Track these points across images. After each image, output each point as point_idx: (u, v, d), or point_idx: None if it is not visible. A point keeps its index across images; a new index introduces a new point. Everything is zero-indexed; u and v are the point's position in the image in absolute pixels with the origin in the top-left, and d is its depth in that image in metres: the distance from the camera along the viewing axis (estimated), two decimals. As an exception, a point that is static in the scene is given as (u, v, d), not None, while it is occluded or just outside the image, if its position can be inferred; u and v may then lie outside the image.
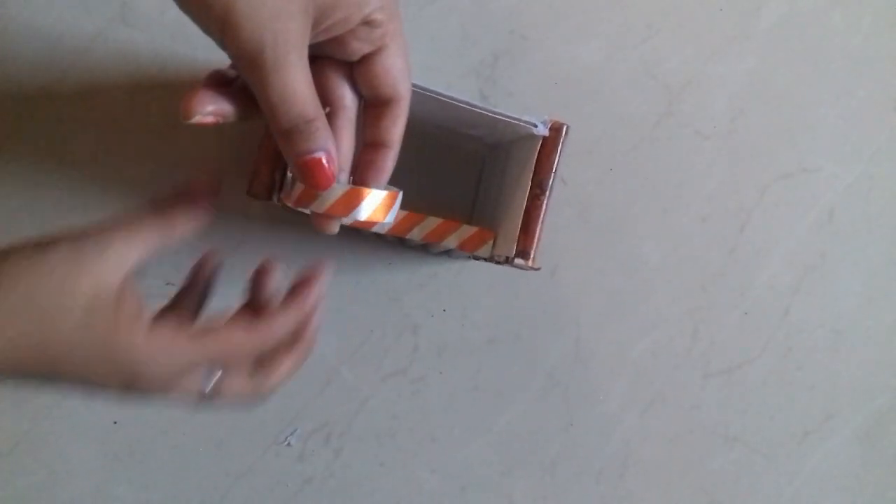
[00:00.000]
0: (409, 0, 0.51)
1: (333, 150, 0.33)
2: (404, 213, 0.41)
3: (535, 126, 0.40)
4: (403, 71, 0.35)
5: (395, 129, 0.35)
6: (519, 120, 0.40)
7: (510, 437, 0.54)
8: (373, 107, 0.35)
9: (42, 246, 0.33)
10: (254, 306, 0.38)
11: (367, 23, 0.33)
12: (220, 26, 0.30)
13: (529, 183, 0.40)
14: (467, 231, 0.42)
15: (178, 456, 0.51)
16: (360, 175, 0.35)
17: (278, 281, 0.37)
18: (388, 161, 0.36)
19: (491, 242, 0.43)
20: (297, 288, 0.37)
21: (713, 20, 0.54)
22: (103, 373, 0.33)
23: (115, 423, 0.51)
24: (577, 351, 0.54)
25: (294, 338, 0.37)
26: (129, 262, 0.33)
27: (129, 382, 0.34)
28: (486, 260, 0.43)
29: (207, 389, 0.35)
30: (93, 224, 0.34)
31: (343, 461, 0.52)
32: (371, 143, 0.36)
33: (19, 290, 0.32)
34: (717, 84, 0.55)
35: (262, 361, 0.36)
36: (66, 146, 0.50)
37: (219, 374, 0.35)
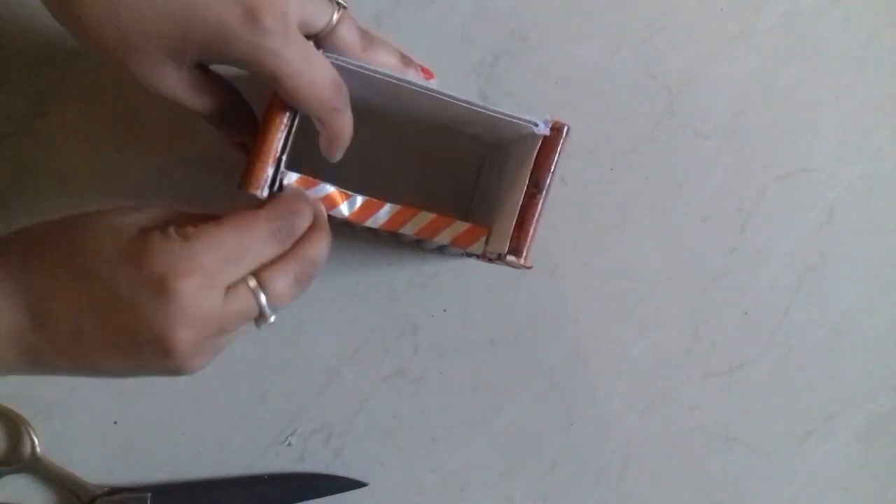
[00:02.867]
0: (409, 0, 0.51)
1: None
2: (398, 207, 0.41)
3: (536, 125, 0.40)
4: (300, 95, 0.36)
5: (323, 140, 0.39)
6: (520, 119, 0.40)
7: (510, 437, 0.54)
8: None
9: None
10: None
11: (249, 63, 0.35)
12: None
13: (527, 181, 0.40)
14: (461, 227, 0.42)
15: (179, 456, 0.51)
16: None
17: None
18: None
19: (484, 239, 0.43)
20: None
21: (713, 20, 0.54)
22: (132, 284, 0.32)
23: (115, 423, 0.51)
24: (577, 351, 0.54)
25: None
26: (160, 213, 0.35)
27: (159, 284, 0.32)
28: (478, 257, 0.43)
29: (262, 301, 0.34)
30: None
31: (343, 461, 0.52)
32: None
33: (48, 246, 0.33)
34: (717, 84, 0.55)
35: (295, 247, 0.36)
36: (66, 146, 0.50)
37: (260, 290, 0.34)
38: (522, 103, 0.53)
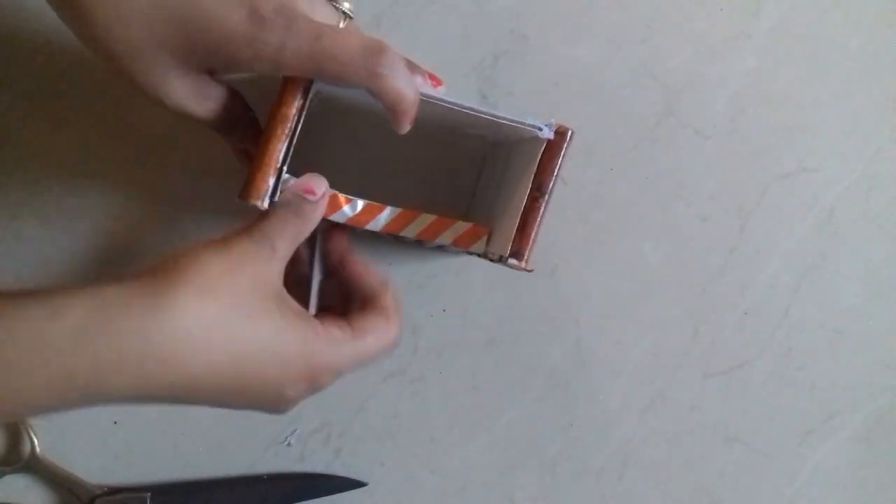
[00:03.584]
0: (409, 0, 0.51)
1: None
2: (399, 210, 0.41)
3: (540, 129, 0.40)
4: (334, 68, 0.35)
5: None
6: (523, 123, 0.40)
7: (510, 437, 0.54)
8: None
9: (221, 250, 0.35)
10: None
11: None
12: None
13: (530, 185, 0.40)
14: (461, 227, 0.42)
15: (179, 456, 0.51)
16: None
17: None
18: None
19: (485, 239, 0.43)
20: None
21: (713, 20, 0.54)
22: (290, 373, 0.36)
23: (115, 423, 0.51)
24: (577, 351, 0.54)
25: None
26: (287, 252, 0.37)
27: (314, 380, 0.37)
28: (479, 256, 0.43)
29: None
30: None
31: (343, 461, 0.52)
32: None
33: (209, 294, 0.33)
34: (717, 84, 0.55)
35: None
36: (66, 146, 0.50)
37: None
38: (522, 103, 0.53)
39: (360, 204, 0.41)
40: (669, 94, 0.54)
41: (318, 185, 0.38)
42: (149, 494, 0.50)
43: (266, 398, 0.35)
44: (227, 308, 0.33)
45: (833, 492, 0.57)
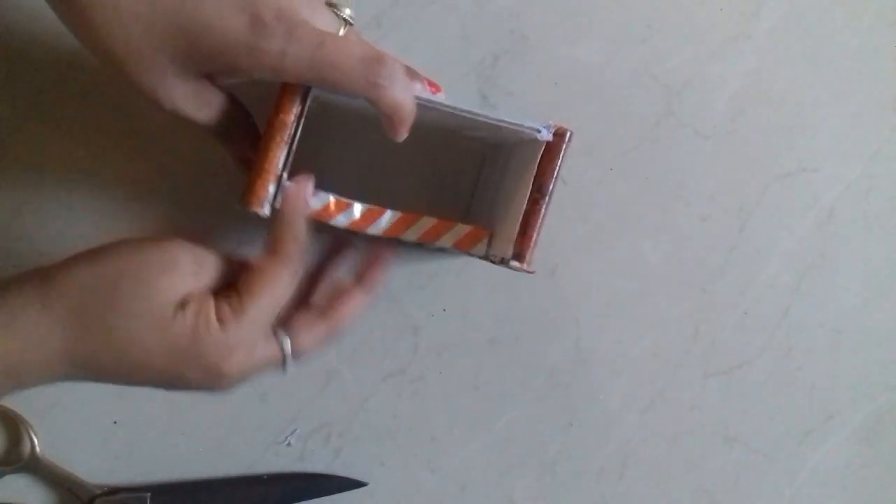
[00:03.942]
0: (409, 0, 0.51)
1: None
2: (399, 214, 0.41)
3: (539, 131, 0.40)
4: (333, 76, 0.36)
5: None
6: (522, 126, 0.40)
7: (510, 437, 0.54)
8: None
9: (133, 250, 0.36)
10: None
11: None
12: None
13: (530, 187, 0.40)
14: (462, 230, 0.42)
15: (178, 456, 0.51)
16: None
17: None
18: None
19: (486, 241, 0.43)
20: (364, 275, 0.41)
21: (713, 20, 0.54)
22: (181, 374, 0.36)
23: (115, 422, 0.51)
24: (577, 351, 0.54)
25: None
26: (211, 282, 0.37)
27: (211, 375, 0.36)
28: (480, 258, 0.43)
29: (287, 351, 0.38)
30: (185, 242, 0.38)
31: (343, 461, 0.52)
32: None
33: (103, 289, 0.34)
34: (717, 84, 0.55)
35: (330, 304, 0.39)
36: (66, 147, 0.50)
37: (287, 340, 0.38)
38: (522, 103, 0.53)
39: (360, 208, 0.40)
40: (669, 94, 0.54)
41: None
42: (149, 494, 0.50)
43: (172, 383, 0.36)
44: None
45: (833, 492, 0.57)
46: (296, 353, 0.38)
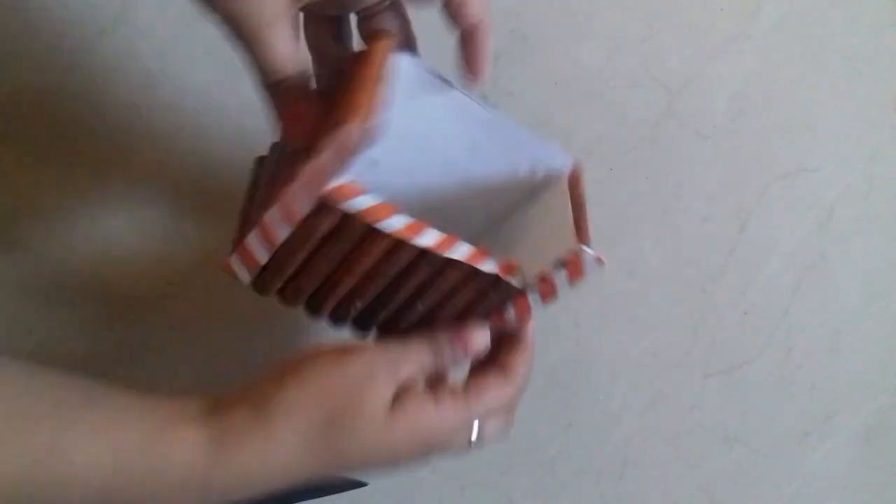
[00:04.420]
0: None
1: (312, 104, 0.36)
2: (443, 236, 0.38)
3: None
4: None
5: (468, 13, 0.39)
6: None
7: (510, 437, 0.54)
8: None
9: (337, 360, 0.37)
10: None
11: None
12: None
13: (569, 232, 0.40)
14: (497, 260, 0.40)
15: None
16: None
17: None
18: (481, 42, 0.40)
19: (518, 273, 0.41)
20: (519, 329, 0.42)
21: (713, 20, 0.54)
22: (401, 458, 0.37)
23: (115, 423, 0.51)
24: (577, 351, 0.54)
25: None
26: (413, 372, 0.38)
27: (426, 456, 0.38)
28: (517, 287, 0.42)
29: (474, 438, 0.39)
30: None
31: (343, 461, 0.52)
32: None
33: (319, 401, 0.36)
34: (717, 84, 0.55)
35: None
36: (66, 148, 0.50)
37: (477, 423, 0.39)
38: (522, 103, 0.53)
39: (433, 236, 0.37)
40: (669, 94, 0.54)
41: (475, 342, 0.40)
42: (148, 495, 0.50)
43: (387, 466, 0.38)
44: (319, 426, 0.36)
45: (832, 492, 0.57)
46: (478, 441, 0.39)
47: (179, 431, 0.34)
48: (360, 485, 0.53)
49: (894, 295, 0.57)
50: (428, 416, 0.37)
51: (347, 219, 0.34)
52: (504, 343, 0.42)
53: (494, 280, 0.39)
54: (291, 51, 0.34)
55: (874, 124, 0.56)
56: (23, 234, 0.50)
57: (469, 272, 0.38)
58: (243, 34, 0.33)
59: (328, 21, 0.38)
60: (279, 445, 0.35)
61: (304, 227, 0.34)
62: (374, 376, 0.36)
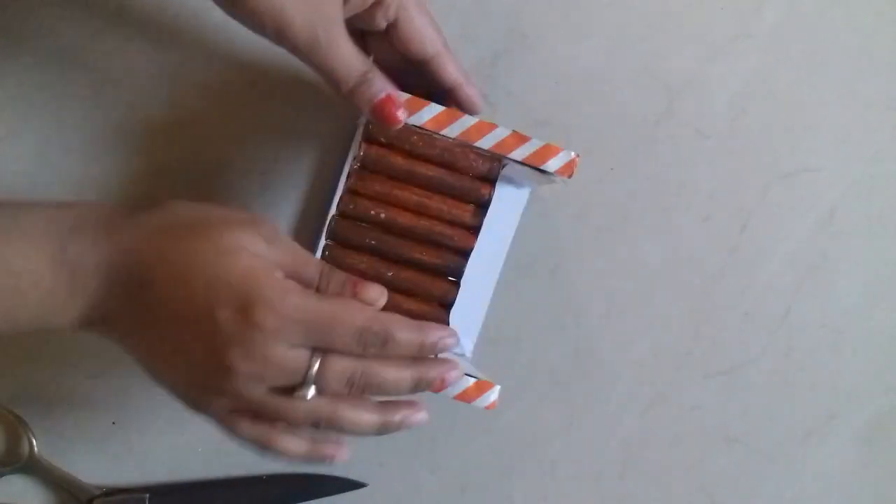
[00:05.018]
0: None
1: (393, 89, 0.40)
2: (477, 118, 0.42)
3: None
4: (419, 35, 0.41)
5: (446, 77, 0.43)
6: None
7: (510, 437, 0.54)
8: (421, 65, 0.42)
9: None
10: None
11: (378, 2, 0.39)
12: (276, 33, 0.36)
13: None
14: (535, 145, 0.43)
15: (177, 456, 0.51)
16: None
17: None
18: (464, 93, 0.44)
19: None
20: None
21: (714, 20, 0.54)
22: (222, 295, 0.34)
23: (114, 423, 0.51)
24: (577, 351, 0.54)
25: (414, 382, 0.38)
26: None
27: (245, 309, 0.34)
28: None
29: (313, 369, 0.35)
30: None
31: (343, 461, 0.52)
32: (439, 88, 0.43)
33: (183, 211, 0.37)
34: (717, 84, 0.55)
35: (387, 404, 0.39)
36: (66, 148, 0.50)
37: (319, 360, 0.35)
38: (522, 103, 0.53)
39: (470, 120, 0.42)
40: (669, 94, 0.54)
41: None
42: (147, 495, 0.50)
43: (194, 326, 0.35)
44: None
45: (833, 492, 0.57)
46: (317, 380, 0.35)
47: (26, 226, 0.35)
48: (360, 485, 0.53)
49: (894, 295, 0.57)
50: (268, 274, 0.34)
51: None
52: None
53: None
54: (356, 51, 0.38)
55: (875, 124, 0.56)
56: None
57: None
58: (317, 50, 0.37)
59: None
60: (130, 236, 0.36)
61: None
62: (247, 224, 0.36)
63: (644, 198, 0.54)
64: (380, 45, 0.42)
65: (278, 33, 0.36)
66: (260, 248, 0.36)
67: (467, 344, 0.51)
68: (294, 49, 0.37)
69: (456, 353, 0.50)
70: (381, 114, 0.39)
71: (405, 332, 0.36)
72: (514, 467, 0.54)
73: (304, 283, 0.36)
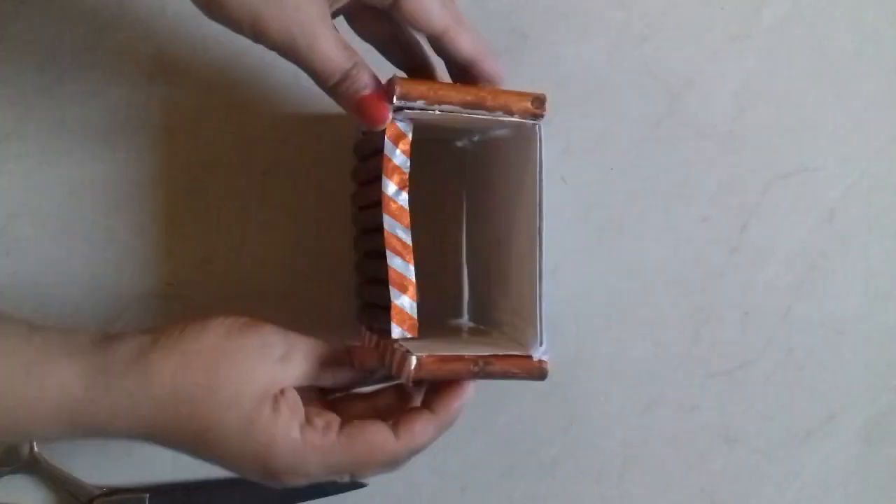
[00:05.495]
0: None
1: (378, 83, 0.38)
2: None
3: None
4: (425, 10, 0.38)
5: (460, 53, 0.40)
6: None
7: (510, 437, 0.54)
8: (433, 42, 0.40)
9: (234, 332, 0.38)
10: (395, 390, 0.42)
11: None
12: (252, 32, 0.35)
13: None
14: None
15: (178, 456, 0.51)
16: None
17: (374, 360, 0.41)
18: (482, 69, 0.41)
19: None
20: (444, 392, 0.40)
21: (714, 19, 0.54)
22: (248, 465, 0.37)
23: (115, 422, 0.51)
24: (577, 351, 0.54)
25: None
26: (301, 373, 0.38)
27: (272, 478, 0.37)
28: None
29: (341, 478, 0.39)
30: (277, 326, 0.39)
31: (343, 461, 0.52)
32: (455, 65, 0.41)
33: (200, 366, 0.36)
34: (718, 83, 0.54)
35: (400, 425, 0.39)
36: (66, 148, 0.50)
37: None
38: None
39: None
40: (670, 94, 0.54)
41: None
42: (147, 495, 0.50)
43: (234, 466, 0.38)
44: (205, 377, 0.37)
45: (834, 492, 0.56)
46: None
47: (62, 360, 0.35)
48: (360, 485, 0.53)
49: (895, 295, 0.57)
50: (287, 439, 0.36)
51: None
52: (431, 394, 0.41)
53: None
54: (340, 48, 0.37)
55: (875, 124, 0.56)
56: (22, 235, 0.50)
57: None
58: (297, 51, 0.36)
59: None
60: (152, 388, 0.36)
61: None
62: (260, 352, 0.37)
63: (644, 198, 0.54)
64: (391, 22, 0.41)
65: (256, 37, 0.36)
66: (279, 375, 0.37)
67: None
68: (274, 50, 0.36)
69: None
70: (364, 112, 0.38)
71: (430, 438, 0.39)
72: (514, 467, 0.54)
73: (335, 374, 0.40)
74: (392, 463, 0.38)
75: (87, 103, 0.50)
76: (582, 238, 0.54)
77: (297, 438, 0.36)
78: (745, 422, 0.56)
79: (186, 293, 0.51)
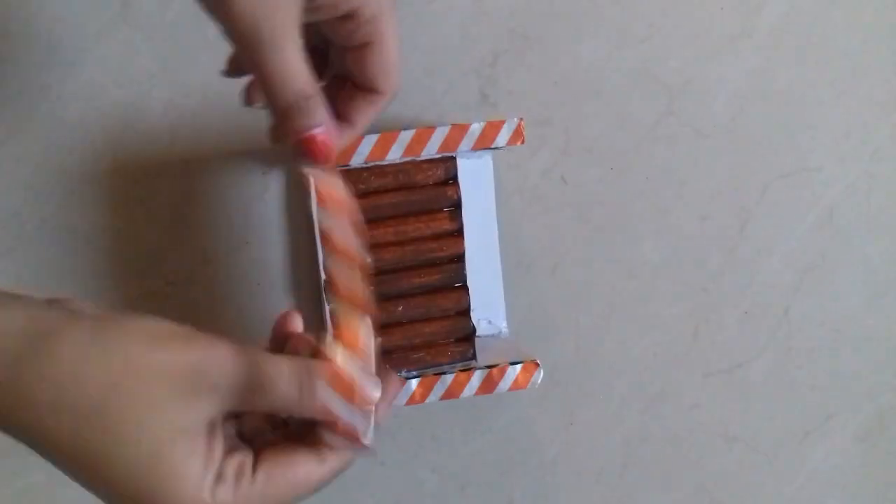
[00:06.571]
0: (409, 0, 0.51)
1: (332, 125, 0.33)
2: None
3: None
4: (386, 68, 0.34)
5: (364, 116, 0.36)
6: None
7: (510, 437, 0.54)
8: (359, 88, 0.36)
9: (157, 343, 0.30)
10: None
11: (352, 15, 0.33)
12: (220, 20, 0.30)
13: None
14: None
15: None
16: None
17: (300, 326, 0.36)
18: (344, 135, 0.36)
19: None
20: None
21: (714, 19, 0.54)
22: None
23: (115, 423, 0.51)
24: (577, 351, 0.54)
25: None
26: (227, 404, 0.31)
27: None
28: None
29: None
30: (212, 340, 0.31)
31: (343, 461, 0.52)
32: (340, 113, 0.36)
33: (97, 382, 0.29)
34: (717, 83, 0.55)
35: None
36: (65, 148, 0.50)
37: None
38: (522, 103, 0.53)
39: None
40: (669, 94, 0.54)
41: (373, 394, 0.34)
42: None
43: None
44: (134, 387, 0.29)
45: (833, 491, 0.57)
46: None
47: (11, 308, 0.29)
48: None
49: (895, 294, 0.57)
50: (196, 499, 0.29)
51: None
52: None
53: None
54: (301, 69, 0.32)
55: (874, 123, 0.56)
56: (23, 236, 0.50)
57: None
58: (257, 46, 0.30)
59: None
60: (34, 393, 0.28)
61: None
62: (174, 393, 0.29)
63: (644, 198, 0.54)
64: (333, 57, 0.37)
65: (222, 20, 0.31)
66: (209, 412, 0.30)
67: (500, 324, 0.52)
68: (228, 32, 0.31)
69: (492, 335, 0.52)
70: (308, 150, 0.33)
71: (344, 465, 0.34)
72: (514, 467, 0.54)
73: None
74: (318, 489, 0.33)
75: (88, 104, 0.50)
76: (582, 238, 0.54)
77: (207, 500, 0.29)
78: (745, 421, 0.56)
79: (187, 293, 0.51)
